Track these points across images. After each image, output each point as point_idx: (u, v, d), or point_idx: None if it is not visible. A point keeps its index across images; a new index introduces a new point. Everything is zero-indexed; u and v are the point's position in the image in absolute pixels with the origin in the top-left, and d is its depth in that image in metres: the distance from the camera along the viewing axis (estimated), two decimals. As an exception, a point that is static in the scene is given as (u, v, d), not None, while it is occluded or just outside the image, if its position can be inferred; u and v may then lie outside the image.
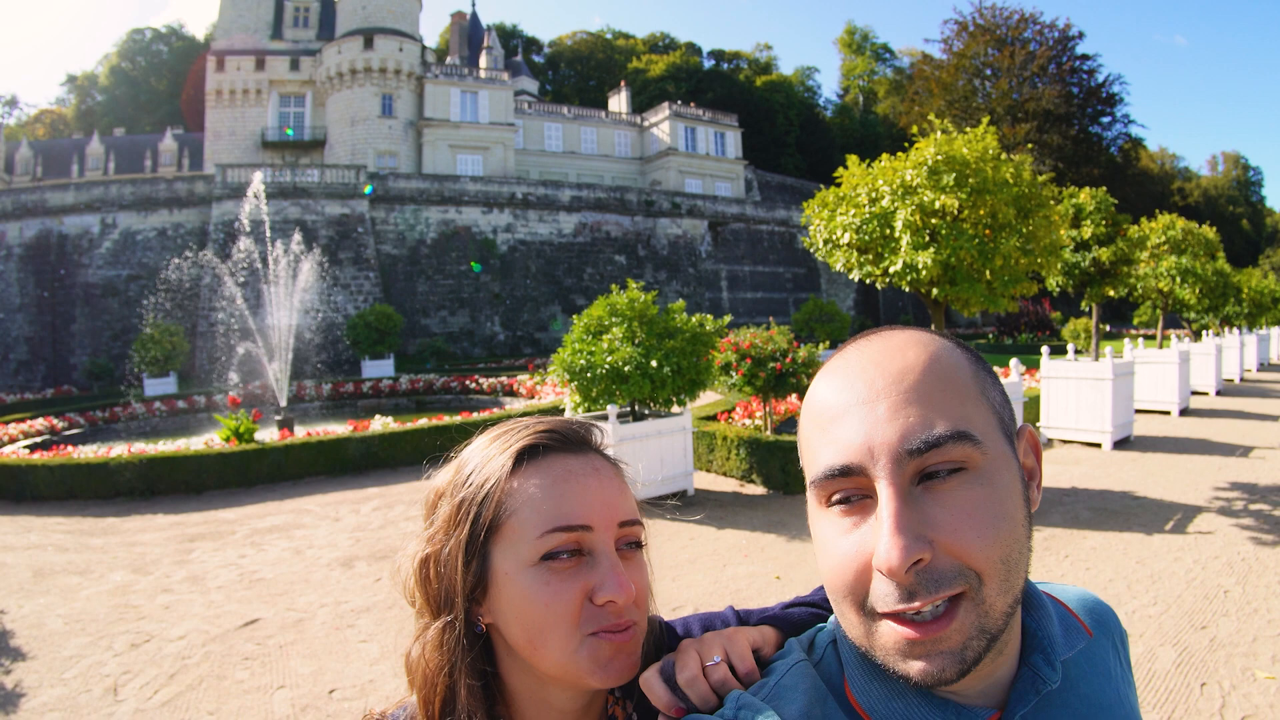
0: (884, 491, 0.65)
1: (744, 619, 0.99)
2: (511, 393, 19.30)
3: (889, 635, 0.65)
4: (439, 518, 0.88)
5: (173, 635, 5.07)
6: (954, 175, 6.68)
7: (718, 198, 44.07)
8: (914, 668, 0.64)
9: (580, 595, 0.81)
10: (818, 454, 0.70)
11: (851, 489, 0.68)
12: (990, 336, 36.47)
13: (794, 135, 71.06)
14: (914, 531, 0.63)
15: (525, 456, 0.86)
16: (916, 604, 0.63)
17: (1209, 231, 18.79)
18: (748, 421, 10.45)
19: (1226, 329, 19.95)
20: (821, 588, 0.95)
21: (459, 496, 0.86)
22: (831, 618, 0.83)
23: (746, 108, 64.75)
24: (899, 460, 0.65)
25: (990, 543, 0.64)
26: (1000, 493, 0.66)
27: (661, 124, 51.81)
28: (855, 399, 0.68)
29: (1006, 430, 0.71)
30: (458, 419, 12.56)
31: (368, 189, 32.60)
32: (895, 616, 0.65)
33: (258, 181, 23.73)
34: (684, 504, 8.05)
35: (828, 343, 11.67)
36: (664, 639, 0.96)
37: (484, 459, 0.87)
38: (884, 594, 0.64)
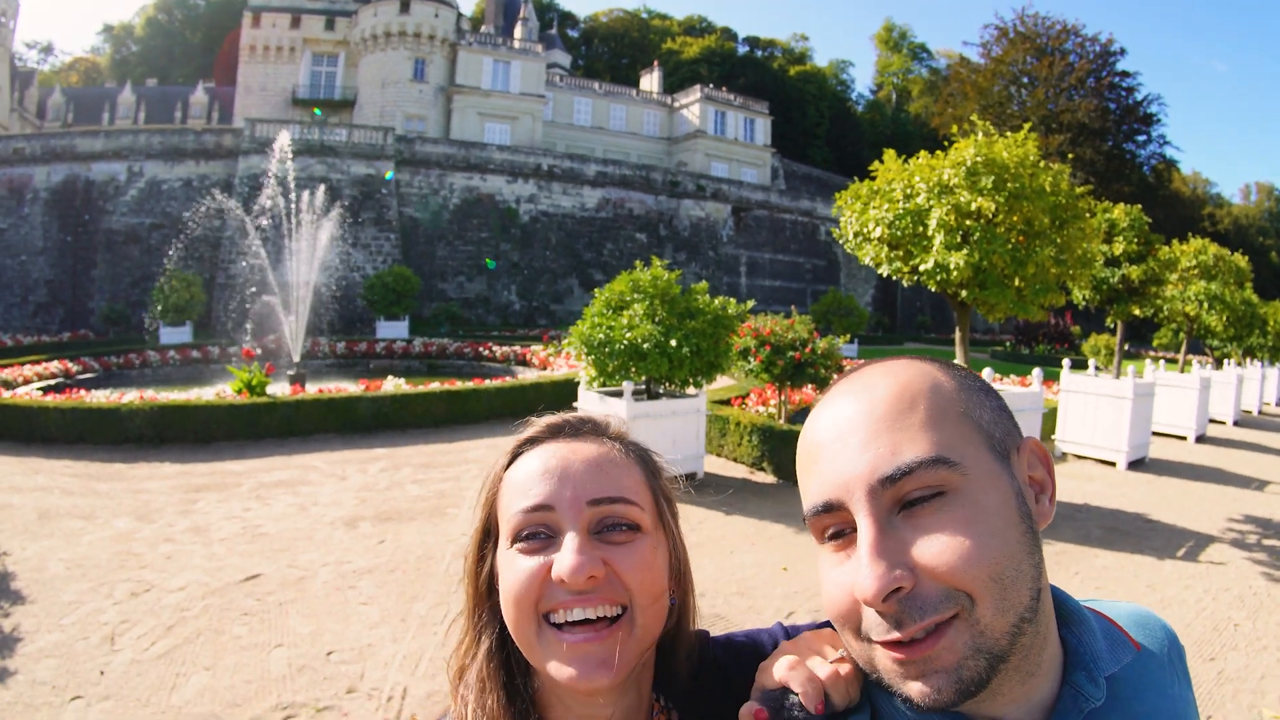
0: (861, 523, 0.66)
1: (791, 637, 0.93)
2: (524, 362, 19.27)
3: (884, 659, 0.66)
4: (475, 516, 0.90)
5: (173, 586, 5.07)
6: (992, 178, 6.54)
7: (743, 183, 43.53)
8: (913, 689, 0.65)
9: (541, 573, 0.78)
10: (806, 491, 0.73)
11: (839, 523, 0.70)
12: (1008, 344, 36.02)
13: (824, 128, 70.24)
14: (891, 560, 0.64)
15: (522, 450, 0.88)
16: (904, 633, 0.64)
17: (1240, 260, 18.41)
18: (761, 409, 10.37)
19: (1249, 360, 19.69)
20: None
21: (479, 495, 0.89)
22: None
23: (778, 96, 63.88)
24: (873, 492, 0.66)
25: (975, 563, 0.63)
26: (985, 511, 0.65)
27: (691, 106, 51.34)
28: (833, 435, 0.71)
29: (997, 447, 0.70)
30: (470, 385, 12.46)
31: (389, 175, 32.46)
32: (887, 643, 0.65)
33: (285, 137, 23.61)
34: (693, 487, 8.02)
35: (847, 336, 11.56)
36: (709, 654, 0.93)
37: (494, 458, 0.91)
38: (874, 624, 0.66)
